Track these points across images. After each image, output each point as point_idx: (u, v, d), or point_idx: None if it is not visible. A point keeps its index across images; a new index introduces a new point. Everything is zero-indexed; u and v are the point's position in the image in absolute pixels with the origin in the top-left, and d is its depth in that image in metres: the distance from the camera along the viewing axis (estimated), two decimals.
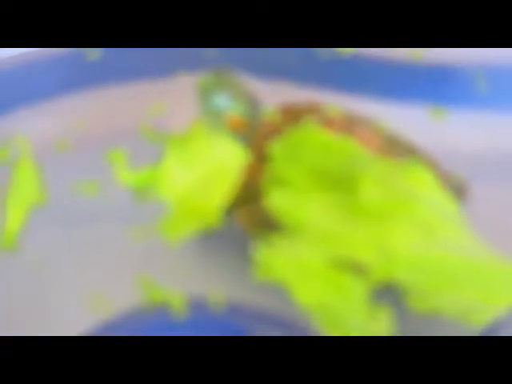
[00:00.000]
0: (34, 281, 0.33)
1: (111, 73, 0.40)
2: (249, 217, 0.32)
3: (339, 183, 0.31)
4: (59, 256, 0.34)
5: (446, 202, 0.31)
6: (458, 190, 0.33)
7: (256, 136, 0.33)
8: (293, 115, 0.33)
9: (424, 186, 0.31)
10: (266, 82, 0.37)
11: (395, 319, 0.28)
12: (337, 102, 0.34)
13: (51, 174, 0.34)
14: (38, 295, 0.32)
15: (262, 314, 0.31)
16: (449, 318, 0.29)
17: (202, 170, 0.33)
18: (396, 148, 0.33)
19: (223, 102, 0.33)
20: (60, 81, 0.39)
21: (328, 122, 0.32)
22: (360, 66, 0.39)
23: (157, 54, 0.39)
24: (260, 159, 0.32)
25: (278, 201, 0.31)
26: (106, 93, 0.39)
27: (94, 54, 0.39)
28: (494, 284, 0.29)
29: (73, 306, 0.31)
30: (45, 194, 0.34)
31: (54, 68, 0.39)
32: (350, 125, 0.32)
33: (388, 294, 0.29)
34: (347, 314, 0.29)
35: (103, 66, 0.39)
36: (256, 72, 0.37)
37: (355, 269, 0.29)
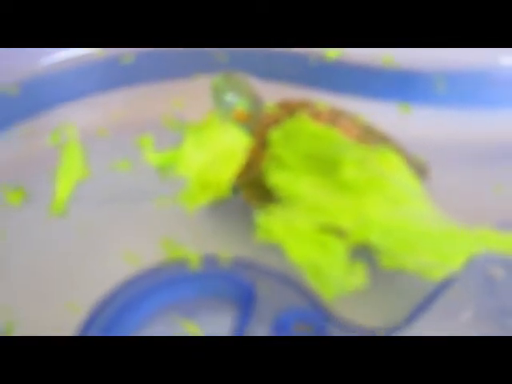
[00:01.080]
0: (78, 239, 0.33)
1: (141, 74, 0.39)
2: (251, 190, 0.33)
3: (325, 164, 0.31)
4: (99, 221, 0.34)
5: (411, 180, 0.31)
6: (420, 170, 0.33)
7: (258, 126, 0.33)
8: (288, 109, 0.33)
9: (393, 166, 0.31)
10: (267, 83, 0.36)
11: (368, 273, 0.28)
12: (324, 99, 0.34)
13: (93, 154, 0.34)
14: (82, 251, 0.33)
15: (262, 267, 0.30)
16: (412, 273, 0.29)
17: (214, 152, 0.33)
18: (371, 136, 0.33)
19: (232, 98, 0.33)
20: (100, 80, 0.39)
21: (317, 115, 0.32)
22: (342, 70, 0.39)
23: (178, 58, 0.39)
24: (261, 144, 0.32)
25: (275, 178, 0.31)
26: (137, 90, 0.39)
27: (127, 58, 0.39)
28: (448, 246, 0.29)
29: (111, 261, 0.32)
30: (87, 170, 0.34)
31: (96, 70, 0.39)
32: (334, 117, 0.32)
33: (363, 253, 0.29)
34: (330, 268, 0.29)
35: (135, 69, 0.39)
36: (259, 74, 0.36)
37: (337, 232, 0.29)
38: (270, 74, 0.38)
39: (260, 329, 0.29)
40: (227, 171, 0.32)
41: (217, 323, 0.30)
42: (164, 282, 0.30)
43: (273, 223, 0.30)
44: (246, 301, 0.30)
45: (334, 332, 0.29)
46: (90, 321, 0.28)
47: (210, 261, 0.30)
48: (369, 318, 0.29)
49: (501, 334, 0.30)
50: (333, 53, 0.38)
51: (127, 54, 0.39)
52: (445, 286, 0.29)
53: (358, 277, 0.29)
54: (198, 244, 0.31)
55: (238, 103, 0.33)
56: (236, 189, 0.32)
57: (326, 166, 0.31)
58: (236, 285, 0.30)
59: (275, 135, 0.31)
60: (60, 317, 0.29)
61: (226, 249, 0.31)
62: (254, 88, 0.34)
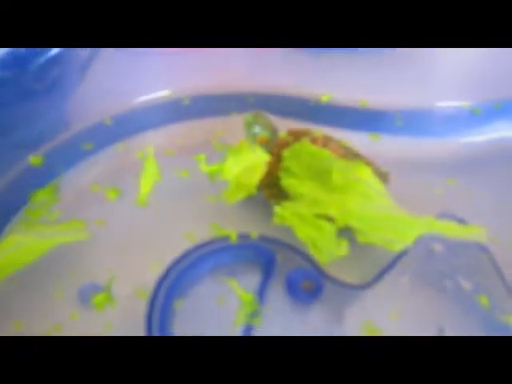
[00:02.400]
0: (155, 222, 0.33)
1: (196, 112, 0.38)
2: (270, 190, 0.33)
3: (320, 173, 0.31)
4: (169, 210, 0.34)
5: (377, 184, 0.31)
6: (383, 177, 0.33)
7: (274, 147, 0.33)
8: (295, 136, 0.33)
9: (365, 175, 0.31)
10: (280, 119, 0.35)
11: (349, 246, 0.29)
12: (319, 129, 0.34)
13: (164, 166, 0.35)
14: (158, 230, 0.33)
15: (278, 242, 0.31)
16: (379, 246, 0.29)
17: (245, 165, 0.33)
18: (350, 154, 0.33)
19: (257, 129, 0.34)
20: (169, 115, 0.38)
21: (314, 140, 0.32)
22: (332, 109, 0.38)
23: (221, 101, 0.38)
24: (277, 160, 0.33)
25: (286, 182, 0.32)
26: (193, 123, 0.38)
27: (186, 101, 0.38)
28: (403, 228, 0.30)
29: (176, 237, 0.32)
30: (160, 176, 0.34)
31: (166, 108, 0.38)
32: (326, 142, 0.33)
33: (345, 232, 0.30)
34: (323, 242, 0.30)
35: (192, 108, 0.38)
36: (275, 113, 0.35)
37: (328, 219, 0.30)
38: (282, 112, 0.37)
39: (277, 284, 0.30)
40: (254, 177, 0.32)
41: (248, 280, 0.30)
42: (212, 251, 0.31)
43: (285, 212, 0.31)
44: (268, 264, 0.31)
45: (328, 285, 0.30)
46: (164, 276, 0.30)
47: (243, 237, 0.31)
48: (350, 277, 0.30)
49: (436, 291, 0.30)
50: (325, 97, 0.38)
51: (186, 98, 0.38)
52: (401, 255, 0.30)
53: (342, 248, 0.29)
54: (235, 225, 0.32)
55: (261, 133, 0.34)
56: (260, 189, 0.33)
57: (320, 174, 0.31)
58: (261, 253, 0.31)
59: (286, 153, 0.32)
60: (144, 273, 0.30)
61: (254, 229, 0.31)
62: (271, 122, 0.35)
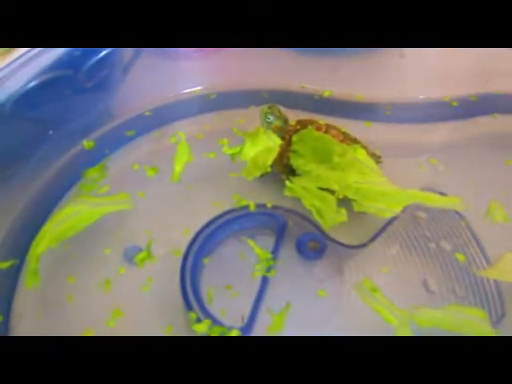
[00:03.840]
0: (187, 195, 0.33)
1: (221, 104, 0.38)
2: (282, 168, 0.33)
3: (323, 154, 0.31)
4: (199, 184, 0.34)
5: (371, 163, 0.31)
6: (376, 158, 0.33)
7: (285, 133, 0.33)
8: (302, 124, 0.33)
9: (361, 155, 0.31)
10: (290, 111, 0.35)
11: (348, 214, 0.29)
12: (322, 119, 0.34)
13: (194, 148, 0.35)
14: (190, 200, 0.33)
15: (290, 210, 0.31)
16: (372, 213, 0.29)
17: (261, 148, 0.33)
18: (348, 139, 0.33)
19: (271, 118, 0.34)
20: (207, 107, 0.38)
21: (318, 128, 0.32)
22: (333, 102, 0.38)
23: (241, 96, 0.38)
24: (287, 144, 0.33)
25: (295, 162, 0.32)
26: (218, 113, 0.38)
27: (213, 95, 0.38)
28: (392, 199, 0.30)
29: (206, 205, 0.32)
30: (191, 157, 0.34)
31: (195, 101, 0.38)
32: (328, 129, 0.33)
33: (345, 202, 0.30)
34: (326, 210, 0.30)
35: (217, 101, 0.38)
36: (286, 105, 0.35)
37: (330, 191, 0.30)
38: (292, 105, 0.36)
39: (289, 244, 0.30)
40: (268, 158, 0.32)
41: (265, 241, 0.30)
42: (235, 218, 0.31)
43: (294, 186, 0.31)
44: (281, 229, 0.31)
45: (330, 245, 0.30)
46: (195, 238, 0.30)
47: (260, 206, 0.31)
48: (348, 239, 0.30)
49: (421, 251, 0.29)
50: (327, 93, 0.38)
51: (212, 94, 0.38)
52: (391, 221, 0.30)
53: (341, 215, 0.29)
54: (253, 197, 0.32)
55: (274, 122, 0.34)
56: (273, 167, 0.33)
57: (323, 155, 0.31)
58: (275, 220, 0.31)
59: (294, 138, 0.32)
60: (178, 236, 0.30)
61: (269, 200, 0.31)
62: (283, 113, 0.35)
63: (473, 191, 0.31)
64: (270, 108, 0.34)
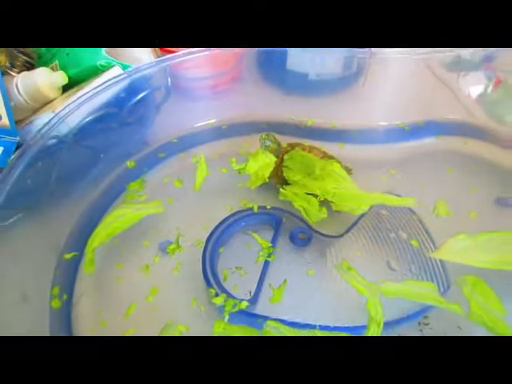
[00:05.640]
0: (206, 200, 0.33)
1: (230, 133, 0.38)
2: (277, 179, 0.32)
3: (308, 168, 0.31)
4: (215, 192, 0.34)
5: (344, 174, 0.31)
6: (348, 170, 0.33)
7: (279, 153, 0.33)
8: (292, 146, 0.33)
9: (337, 168, 0.31)
10: (283, 136, 0.35)
11: (327, 212, 0.30)
12: (306, 142, 0.34)
13: (211, 165, 0.34)
14: (208, 205, 0.32)
15: (284, 210, 0.31)
16: (346, 211, 0.30)
17: (261, 164, 0.33)
18: (326, 156, 0.32)
19: (268, 143, 0.34)
20: (213, 136, 0.37)
21: (303, 148, 0.32)
22: (314, 129, 0.37)
23: (244, 127, 0.38)
24: (281, 161, 0.32)
25: (286, 174, 0.32)
26: (227, 141, 0.37)
27: (224, 126, 0.37)
28: (362, 200, 0.30)
29: (219, 208, 0.32)
30: (209, 172, 0.34)
31: (210, 131, 0.37)
32: (311, 149, 0.32)
33: (325, 203, 0.30)
34: (312, 209, 0.30)
35: (227, 131, 0.37)
36: (279, 133, 0.35)
37: (314, 195, 0.30)
38: (283, 132, 0.36)
39: (284, 236, 0.30)
40: (266, 172, 0.32)
41: (265, 234, 0.30)
42: (243, 217, 0.31)
43: (286, 192, 0.31)
44: (277, 225, 0.31)
45: (315, 236, 0.29)
46: (212, 233, 0.30)
47: (261, 208, 0.31)
48: (329, 231, 0.30)
49: (384, 239, 0.29)
50: (310, 122, 0.37)
51: (224, 125, 0.38)
52: (360, 217, 0.30)
53: (323, 213, 0.30)
54: (256, 201, 0.32)
55: (270, 145, 0.34)
56: (270, 179, 0.33)
57: (308, 169, 0.31)
58: (273, 218, 0.31)
59: (286, 157, 0.32)
60: (200, 231, 0.30)
61: (268, 203, 0.32)
62: (277, 138, 0.35)
63: (422, 193, 0.32)
64: (267, 135, 0.34)
